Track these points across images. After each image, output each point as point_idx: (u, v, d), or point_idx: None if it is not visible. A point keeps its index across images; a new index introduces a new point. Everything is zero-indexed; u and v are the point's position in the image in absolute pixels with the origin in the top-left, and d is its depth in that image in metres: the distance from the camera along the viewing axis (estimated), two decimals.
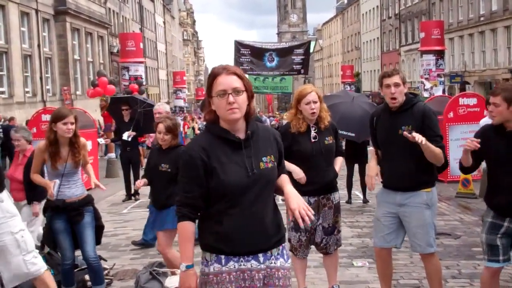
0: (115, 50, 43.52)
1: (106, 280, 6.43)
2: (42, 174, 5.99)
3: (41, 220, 7.08)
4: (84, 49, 39.01)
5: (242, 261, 3.17)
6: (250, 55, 23.66)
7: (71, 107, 21.90)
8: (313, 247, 5.76)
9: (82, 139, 5.77)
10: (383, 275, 5.44)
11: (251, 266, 3.18)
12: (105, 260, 7.29)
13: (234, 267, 3.16)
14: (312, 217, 3.13)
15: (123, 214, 11.60)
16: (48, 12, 33.94)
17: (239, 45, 23.28)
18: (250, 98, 3.18)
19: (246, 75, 17.69)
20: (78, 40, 38.07)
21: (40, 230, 7.18)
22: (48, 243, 6.08)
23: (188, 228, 3.18)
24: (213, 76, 3.13)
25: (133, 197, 13.04)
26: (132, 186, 12.44)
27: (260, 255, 3.19)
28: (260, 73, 24.38)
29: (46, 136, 5.68)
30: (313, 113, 5.44)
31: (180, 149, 6.10)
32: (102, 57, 43.28)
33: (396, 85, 4.98)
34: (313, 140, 5.49)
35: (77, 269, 6.33)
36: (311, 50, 63.68)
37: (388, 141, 5.16)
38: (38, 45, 32.11)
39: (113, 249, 8.56)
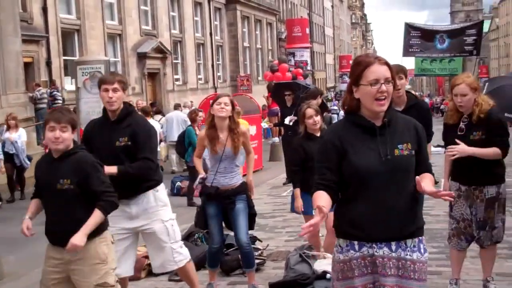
0: (283, 36, 44.32)
1: (259, 261, 6.64)
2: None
3: None
4: (254, 36, 40.21)
5: (374, 248, 3.19)
6: (420, 37, 23.09)
7: (242, 93, 22.61)
8: None
9: (242, 127, 5.86)
10: None
11: (383, 253, 3.18)
12: (261, 241, 7.56)
13: (368, 253, 3.19)
14: (453, 194, 3.18)
15: (283, 197, 11.83)
16: (220, 1, 35.40)
17: (409, 28, 22.77)
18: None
19: (413, 58, 17.20)
20: (247, 28, 39.32)
21: None
22: (200, 224, 6.40)
23: (321, 193, 3.15)
24: (365, 65, 3.17)
25: None
26: None
27: (393, 243, 3.19)
28: (430, 55, 23.73)
29: (205, 120, 5.94)
30: (460, 106, 5.12)
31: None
32: (270, 43, 44.33)
33: None
34: (459, 133, 5.15)
35: (233, 248, 6.64)
36: (486, 30, 60.28)
37: None
38: (210, 34, 33.69)
39: (270, 231, 8.82)
